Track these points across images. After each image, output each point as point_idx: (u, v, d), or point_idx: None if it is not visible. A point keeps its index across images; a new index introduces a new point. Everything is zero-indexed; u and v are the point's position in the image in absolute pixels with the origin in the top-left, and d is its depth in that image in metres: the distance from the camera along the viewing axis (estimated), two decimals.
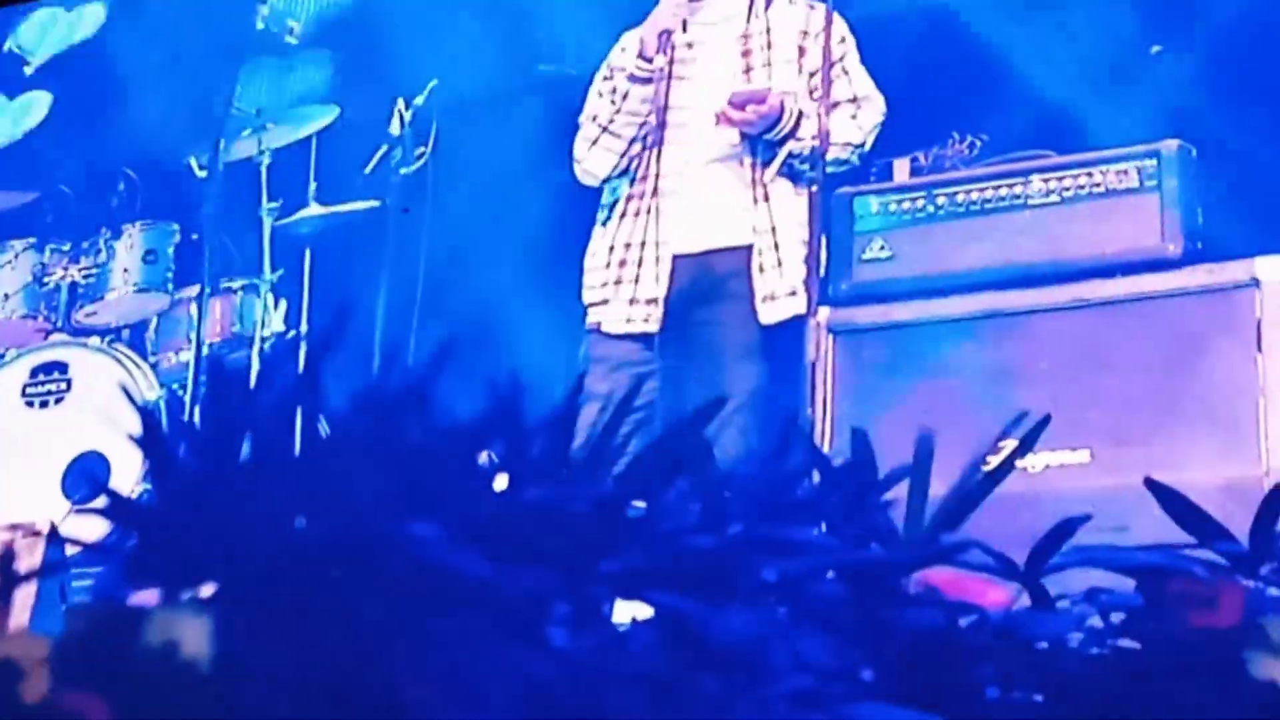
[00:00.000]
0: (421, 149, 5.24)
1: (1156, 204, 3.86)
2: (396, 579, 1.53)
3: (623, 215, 4.03)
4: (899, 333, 3.96)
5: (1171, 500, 1.86)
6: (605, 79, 4.14)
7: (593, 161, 4.06)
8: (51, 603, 2.73)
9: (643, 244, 3.97)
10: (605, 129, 4.02)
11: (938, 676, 1.61)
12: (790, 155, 3.94)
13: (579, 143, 4.10)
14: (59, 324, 5.53)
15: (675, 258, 3.95)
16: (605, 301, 4.00)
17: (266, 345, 5.25)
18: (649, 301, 3.94)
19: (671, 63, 3.98)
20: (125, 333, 5.60)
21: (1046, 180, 3.98)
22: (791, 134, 3.91)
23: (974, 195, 4.05)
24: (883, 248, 4.10)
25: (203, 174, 5.26)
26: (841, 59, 3.99)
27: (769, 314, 3.90)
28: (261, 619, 1.52)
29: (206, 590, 1.56)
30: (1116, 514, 2.42)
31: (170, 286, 5.50)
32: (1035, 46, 4.78)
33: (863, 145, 4.04)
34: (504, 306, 5.31)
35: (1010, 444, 1.93)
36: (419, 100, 5.29)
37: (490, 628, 1.52)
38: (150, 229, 5.54)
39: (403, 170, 5.25)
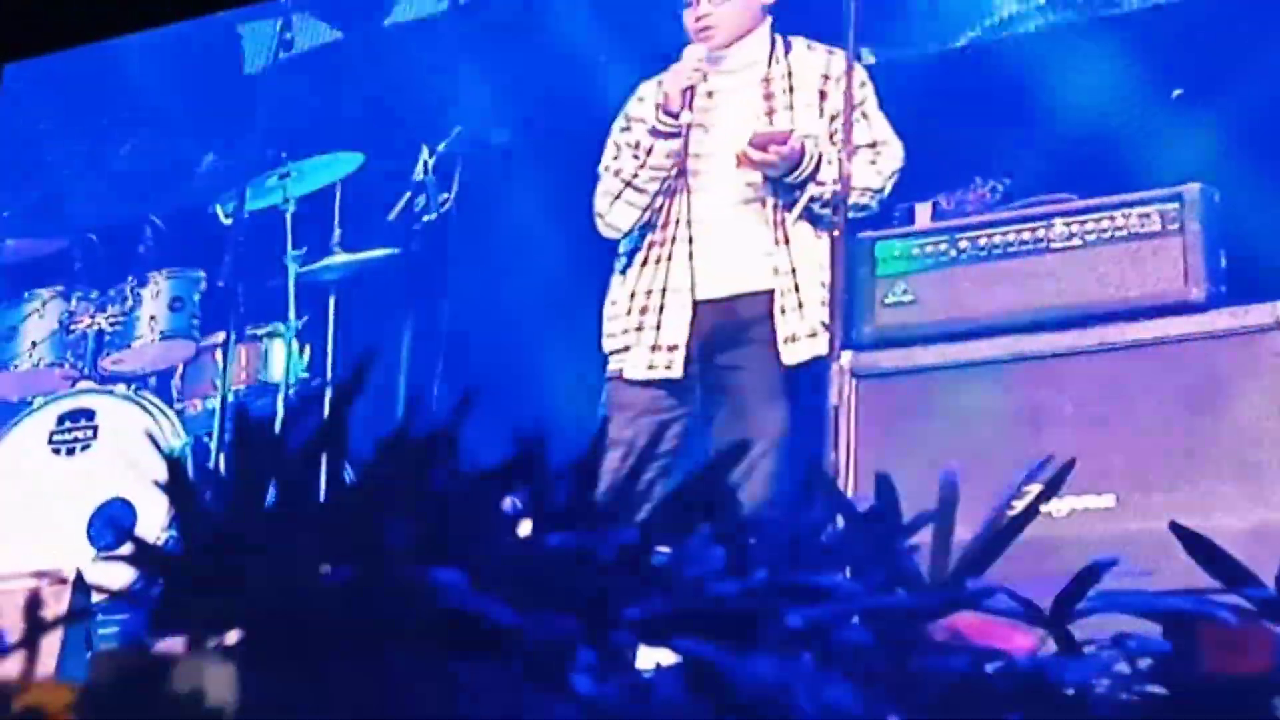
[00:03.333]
0: (445, 195, 5.27)
1: (1180, 247, 3.85)
2: (421, 626, 1.53)
3: (644, 263, 4.05)
4: (922, 377, 3.95)
5: (1197, 545, 1.85)
6: (624, 129, 4.16)
7: (615, 216, 4.08)
8: (77, 650, 2.74)
9: (664, 290, 3.99)
10: (629, 184, 4.04)
11: None
12: (812, 199, 3.96)
13: (600, 197, 4.11)
14: (86, 371, 5.56)
15: (698, 303, 3.96)
16: (627, 348, 4.01)
17: (291, 392, 5.26)
18: (670, 348, 3.95)
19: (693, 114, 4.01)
20: (152, 380, 5.62)
21: (1069, 224, 3.97)
22: (812, 177, 3.93)
23: (996, 239, 4.05)
24: (905, 292, 4.10)
25: (228, 221, 5.29)
26: (861, 104, 4.02)
27: (791, 355, 3.91)
28: (287, 667, 1.52)
29: (232, 637, 1.57)
30: (1142, 559, 2.41)
31: (196, 334, 5.53)
32: (1057, 90, 4.79)
33: (882, 190, 4.06)
34: (528, 353, 5.32)
35: (1035, 489, 1.93)
36: (442, 147, 5.32)
37: (515, 675, 1.51)
38: (176, 277, 5.57)
39: (426, 217, 5.27)
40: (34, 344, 5.60)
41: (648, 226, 4.06)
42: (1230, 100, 4.50)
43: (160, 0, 5.47)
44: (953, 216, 4.17)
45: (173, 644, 1.58)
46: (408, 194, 5.28)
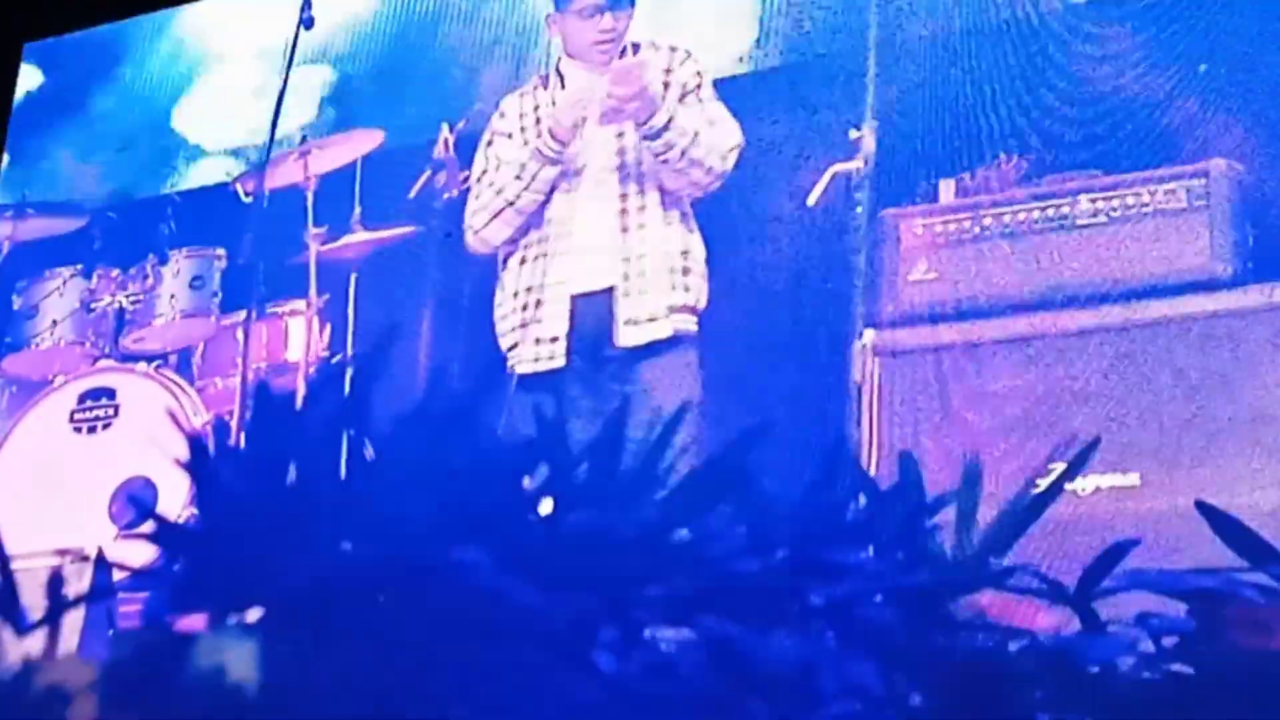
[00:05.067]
0: (465, 173, 5.26)
1: (1206, 224, 3.83)
2: (443, 603, 1.53)
3: (521, 261, 4.23)
4: (945, 354, 3.94)
5: (1223, 523, 1.84)
6: (488, 144, 4.40)
7: (490, 232, 4.31)
8: (99, 628, 2.74)
9: (542, 286, 4.16)
10: (511, 204, 4.25)
11: (988, 701, 1.60)
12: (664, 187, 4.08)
13: (475, 213, 4.34)
14: (107, 350, 5.57)
15: (574, 298, 4.11)
16: (516, 345, 4.17)
17: (312, 370, 5.26)
18: (552, 340, 4.10)
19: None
20: (172, 358, 5.63)
21: (1094, 200, 3.95)
22: (665, 127, 4.04)
23: (1020, 216, 4.03)
24: (928, 269, 4.08)
25: (248, 200, 5.29)
26: (697, 89, 4.17)
27: (628, 338, 4.02)
28: (308, 643, 1.52)
29: (253, 614, 1.57)
30: (1167, 537, 2.40)
31: (217, 312, 5.54)
32: (1082, 65, 4.76)
33: (723, 172, 4.15)
34: None
35: (1059, 467, 1.92)
36: (463, 125, 5.31)
37: (536, 652, 1.51)
38: (197, 255, 5.58)
39: (446, 195, 5.26)
40: (55, 322, 5.61)
41: (524, 231, 4.24)
42: (1257, 75, 4.46)
43: None
44: (977, 193, 4.15)
45: (194, 621, 1.58)
46: (428, 171, 5.27)
